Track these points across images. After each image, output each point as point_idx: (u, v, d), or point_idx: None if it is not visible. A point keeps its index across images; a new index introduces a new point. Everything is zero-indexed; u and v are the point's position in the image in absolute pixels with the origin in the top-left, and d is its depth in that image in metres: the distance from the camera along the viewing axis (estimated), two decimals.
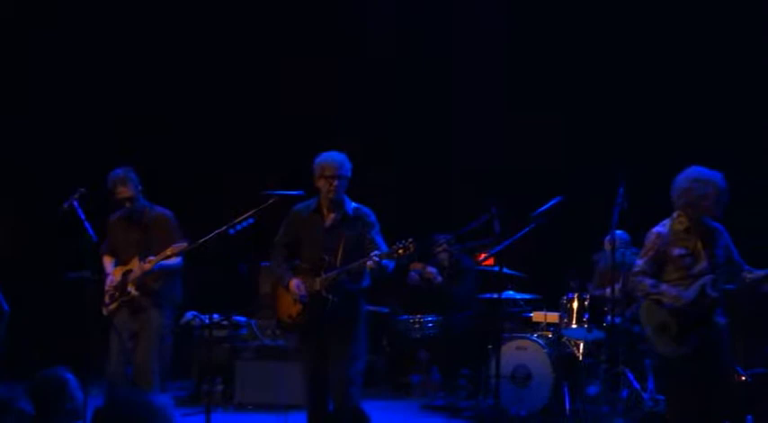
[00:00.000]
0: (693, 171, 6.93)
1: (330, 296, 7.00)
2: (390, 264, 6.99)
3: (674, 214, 7.00)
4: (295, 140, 11.75)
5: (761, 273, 6.81)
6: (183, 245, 7.75)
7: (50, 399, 5.14)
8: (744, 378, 8.33)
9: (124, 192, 7.97)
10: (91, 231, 7.94)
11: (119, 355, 7.97)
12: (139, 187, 8.05)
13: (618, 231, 9.32)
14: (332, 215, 7.18)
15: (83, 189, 7.98)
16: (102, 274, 8.15)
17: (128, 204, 8.01)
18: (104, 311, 8.07)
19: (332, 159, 7.15)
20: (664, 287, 6.93)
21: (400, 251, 6.89)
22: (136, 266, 7.93)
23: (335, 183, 7.09)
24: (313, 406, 7.16)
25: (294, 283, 7.09)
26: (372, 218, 7.21)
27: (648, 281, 6.98)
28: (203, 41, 12.24)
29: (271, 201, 7.35)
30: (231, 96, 12.36)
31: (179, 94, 12.12)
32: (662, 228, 7.02)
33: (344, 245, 7.07)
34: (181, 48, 12.10)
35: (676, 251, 6.94)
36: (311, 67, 12.25)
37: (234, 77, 12.36)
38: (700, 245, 6.91)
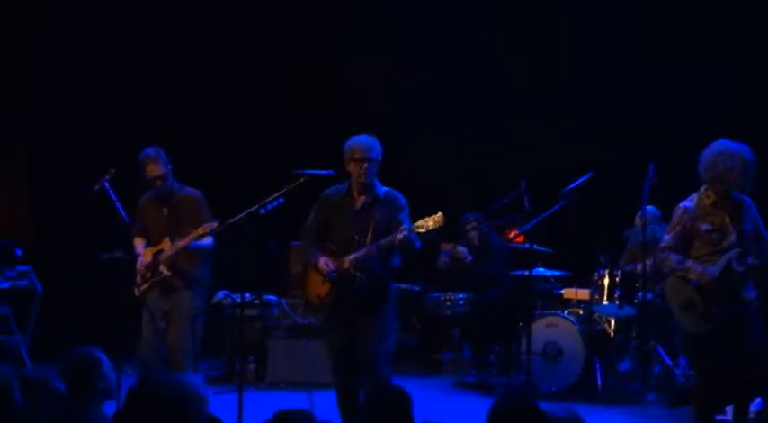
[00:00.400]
0: (720, 144, 6.89)
1: (358, 274, 7.01)
2: (417, 242, 6.98)
3: (702, 189, 6.96)
4: (328, 120, 11.79)
5: None
6: (213, 224, 7.79)
7: (82, 378, 5.19)
8: None
9: (155, 170, 8.00)
10: (122, 212, 7.99)
11: (151, 336, 8.02)
12: (170, 166, 8.08)
13: (649, 207, 9.29)
14: (362, 198, 7.18)
15: (113, 170, 8.03)
16: (133, 254, 8.20)
17: (158, 183, 8.04)
18: (136, 292, 8.12)
19: (361, 142, 7.14)
20: (689, 263, 6.90)
21: (429, 224, 6.88)
22: (167, 246, 7.97)
23: (365, 166, 7.08)
24: (341, 385, 7.19)
25: (323, 260, 7.10)
26: (403, 201, 7.20)
27: (674, 257, 6.95)
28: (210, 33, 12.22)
29: (301, 180, 7.35)
30: (260, 75, 12.34)
31: (201, 76, 12.12)
32: (689, 203, 6.98)
33: (374, 227, 7.06)
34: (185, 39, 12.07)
35: (704, 226, 6.90)
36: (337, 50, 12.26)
37: (258, 57, 12.34)
38: (727, 219, 6.86)
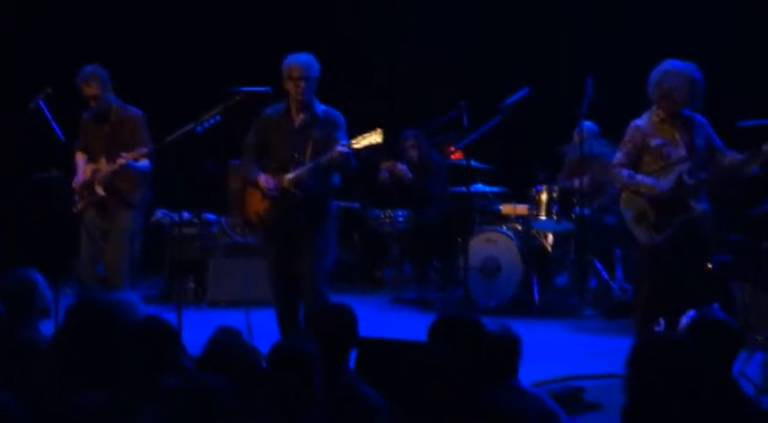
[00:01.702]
0: (666, 64, 6.95)
1: (297, 191, 7.01)
2: (353, 160, 7.00)
3: (653, 107, 7.02)
4: (262, 36, 11.67)
5: (739, 157, 6.82)
6: (144, 150, 7.72)
7: (19, 299, 5.18)
8: (709, 266, 8.43)
9: (90, 90, 7.88)
10: (58, 131, 7.89)
11: (89, 255, 7.98)
12: (107, 85, 7.95)
13: (586, 122, 9.35)
14: (301, 116, 7.15)
15: (49, 89, 7.91)
16: (72, 172, 8.11)
17: (93, 103, 7.94)
18: (74, 209, 8.06)
19: (298, 61, 7.08)
20: (639, 177, 6.99)
21: (369, 139, 6.90)
22: (103, 166, 7.90)
23: (302, 84, 7.04)
24: (281, 302, 7.21)
25: (263, 177, 7.09)
26: (341, 119, 7.19)
27: (625, 172, 7.04)
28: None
29: (237, 98, 7.31)
30: None
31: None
32: (640, 120, 7.06)
33: (313, 145, 7.05)
34: None
35: (654, 141, 6.97)
36: None
37: None
38: (677, 135, 6.94)
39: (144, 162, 7.87)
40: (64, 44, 11.04)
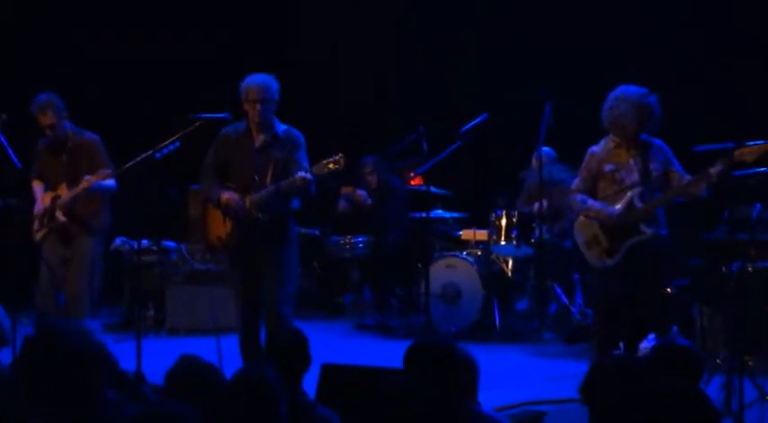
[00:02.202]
0: (618, 90, 7.07)
1: (260, 215, 6.98)
2: (312, 184, 6.98)
3: (610, 133, 7.12)
4: (220, 61, 11.66)
5: (687, 179, 6.90)
6: (107, 171, 7.69)
7: None
8: (668, 290, 8.48)
9: (46, 119, 7.85)
10: (14, 158, 7.83)
11: (49, 283, 7.91)
12: (63, 113, 7.92)
13: (545, 148, 9.40)
14: (261, 137, 7.12)
15: (4, 115, 7.86)
16: (30, 200, 8.06)
17: (49, 132, 7.90)
18: (35, 237, 8.00)
19: (255, 83, 7.05)
20: (590, 202, 7.12)
21: (330, 165, 6.89)
22: (64, 192, 7.85)
23: (259, 107, 7.01)
24: (245, 328, 7.17)
25: (226, 194, 7.05)
26: (301, 140, 7.17)
27: (579, 197, 7.19)
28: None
29: (197, 124, 7.29)
30: (160, 16, 12.14)
31: (99, 22, 11.89)
32: (596, 147, 7.20)
33: (274, 166, 7.02)
34: None
35: (607, 167, 7.11)
36: None
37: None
38: (631, 160, 7.02)
39: (110, 181, 7.84)
40: (53, 40, 11.00)
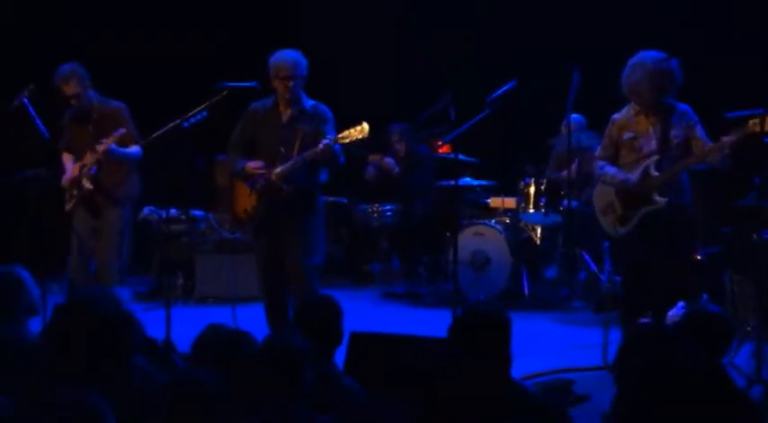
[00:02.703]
0: (635, 56, 6.97)
1: (285, 186, 6.98)
2: (341, 156, 6.99)
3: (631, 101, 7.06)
4: (249, 31, 11.64)
5: (708, 146, 6.78)
6: (120, 132, 7.67)
7: (5, 296, 5.14)
8: (698, 257, 8.44)
9: (69, 89, 7.85)
10: (42, 128, 7.85)
11: (79, 253, 7.95)
12: (87, 83, 7.91)
13: (574, 115, 9.34)
14: (289, 111, 7.14)
15: (32, 85, 7.87)
16: (58, 170, 8.08)
17: (73, 102, 7.90)
18: (66, 209, 8.03)
19: (286, 59, 7.08)
20: (607, 169, 7.08)
21: (355, 133, 6.90)
22: (89, 161, 7.86)
23: (290, 83, 7.04)
24: (270, 300, 7.20)
25: (251, 163, 7.07)
26: (329, 114, 7.19)
27: (599, 164, 7.17)
28: None
29: (224, 93, 7.31)
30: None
31: None
32: (617, 114, 7.11)
33: (301, 139, 7.04)
34: None
35: (626, 135, 7.03)
36: None
37: None
38: (651, 128, 6.93)
39: (134, 149, 7.86)
40: (53, 40, 11.01)
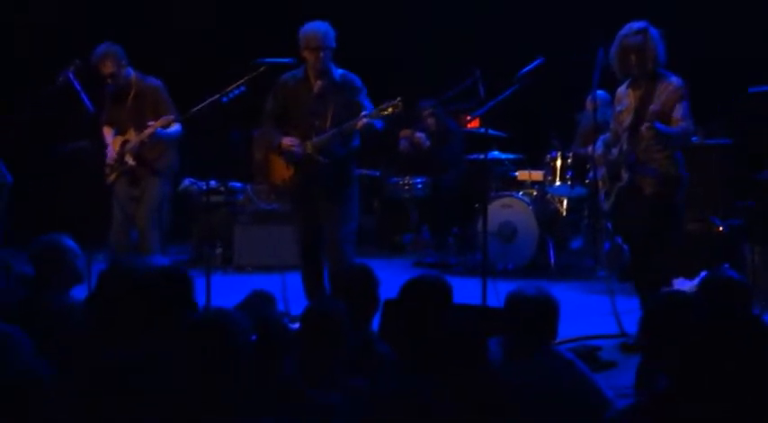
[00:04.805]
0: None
1: (321, 158, 6.97)
2: (379, 123, 6.95)
3: None
4: (281, 7, 11.61)
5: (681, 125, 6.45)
6: (170, 117, 7.70)
7: (50, 263, 5.16)
8: (720, 229, 8.38)
9: (106, 68, 7.83)
10: (87, 102, 7.86)
11: (122, 223, 7.96)
12: (123, 61, 7.89)
13: (599, 91, 9.24)
14: (319, 82, 7.11)
15: (78, 61, 7.87)
16: (100, 143, 8.09)
17: (110, 80, 7.89)
18: (107, 181, 8.05)
19: (315, 30, 7.04)
20: (596, 144, 6.95)
21: (389, 109, 6.86)
22: (132, 137, 7.87)
23: (321, 54, 7.01)
24: (308, 266, 7.20)
25: (287, 139, 7.06)
26: (359, 83, 7.16)
27: (601, 138, 6.97)
28: None
29: (261, 69, 7.28)
30: None
31: None
32: (621, 86, 6.84)
33: (333, 110, 7.02)
34: None
35: (617, 108, 6.82)
36: None
37: None
38: (635, 101, 6.63)
39: (175, 127, 7.86)
40: (92, 13, 11.02)
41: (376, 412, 3.15)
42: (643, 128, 6.31)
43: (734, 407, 3.02)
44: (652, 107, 6.36)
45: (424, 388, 3.05)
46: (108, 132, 8.09)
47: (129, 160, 7.85)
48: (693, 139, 8.64)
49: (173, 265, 4.16)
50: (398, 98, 6.88)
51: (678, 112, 6.44)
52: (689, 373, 3.09)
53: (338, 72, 7.12)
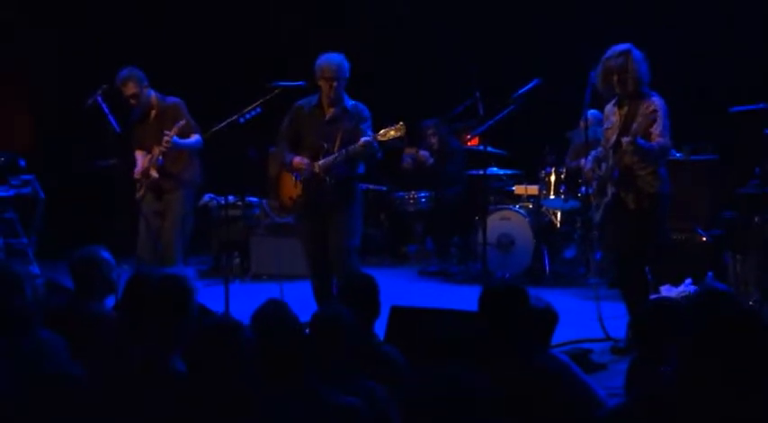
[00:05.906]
0: None
1: (327, 178, 7.02)
2: (379, 152, 7.02)
3: None
4: (292, 36, 11.66)
5: (659, 141, 6.39)
6: (181, 123, 7.69)
7: (89, 274, 5.17)
8: (704, 238, 8.39)
9: (128, 90, 7.86)
10: (114, 123, 7.90)
11: (147, 236, 7.98)
12: (144, 83, 7.92)
13: (591, 110, 9.26)
14: (332, 110, 7.17)
15: (105, 85, 7.92)
16: (129, 161, 8.12)
17: (133, 101, 7.92)
18: (136, 196, 8.07)
19: (330, 62, 7.11)
20: (587, 159, 6.87)
21: (392, 132, 6.96)
22: (156, 151, 7.89)
23: (334, 84, 7.08)
24: (317, 278, 7.24)
25: (297, 158, 7.11)
26: (366, 113, 7.23)
27: (592, 153, 6.90)
28: None
29: (276, 91, 7.36)
30: None
31: None
32: (609, 105, 6.79)
33: (342, 135, 7.08)
34: None
35: (605, 125, 6.79)
36: None
37: None
38: (619, 119, 6.60)
39: (194, 138, 7.88)
40: (121, 43, 11.08)
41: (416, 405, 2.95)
42: (624, 140, 6.30)
43: (737, 399, 2.99)
44: (635, 126, 6.33)
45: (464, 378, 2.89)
46: (140, 154, 8.10)
47: (153, 173, 7.87)
48: (677, 155, 8.69)
49: (174, 275, 4.17)
50: (401, 122, 6.98)
51: (656, 128, 6.40)
52: (694, 366, 3.05)
53: (350, 102, 7.19)
